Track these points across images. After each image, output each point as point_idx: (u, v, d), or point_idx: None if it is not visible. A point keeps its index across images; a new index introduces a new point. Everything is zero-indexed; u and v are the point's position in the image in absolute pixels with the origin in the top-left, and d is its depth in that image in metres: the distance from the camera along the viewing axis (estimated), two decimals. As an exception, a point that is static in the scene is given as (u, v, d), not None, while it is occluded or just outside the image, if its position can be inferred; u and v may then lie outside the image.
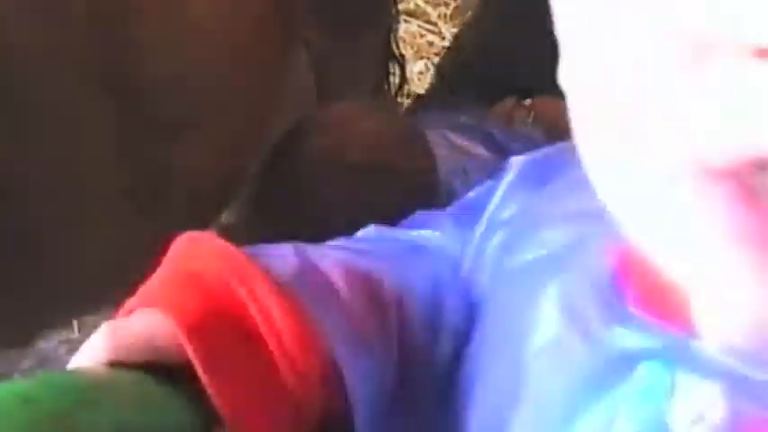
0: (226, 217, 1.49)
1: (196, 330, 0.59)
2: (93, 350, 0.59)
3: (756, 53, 0.37)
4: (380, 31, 1.72)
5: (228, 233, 1.53)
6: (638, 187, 0.45)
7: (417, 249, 0.78)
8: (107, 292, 1.22)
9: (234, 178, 1.33)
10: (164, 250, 0.66)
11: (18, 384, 0.53)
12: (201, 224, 1.33)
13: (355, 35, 1.55)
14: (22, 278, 1.11)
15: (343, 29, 1.50)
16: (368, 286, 0.68)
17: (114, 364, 0.58)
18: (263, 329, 0.60)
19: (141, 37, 1.11)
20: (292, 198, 1.32)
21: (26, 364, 2.06)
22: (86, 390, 0.55)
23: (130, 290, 0.67)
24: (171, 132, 1.18)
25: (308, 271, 0.66)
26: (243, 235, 1.46)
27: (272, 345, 0.60)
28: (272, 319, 0.61)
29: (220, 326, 0.60)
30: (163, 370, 0.58)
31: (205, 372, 0.57)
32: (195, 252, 0.65)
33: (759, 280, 0.41)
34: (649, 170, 0.44)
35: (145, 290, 0.64)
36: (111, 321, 0.62)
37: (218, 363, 0.58)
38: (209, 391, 0.57)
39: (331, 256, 0.70)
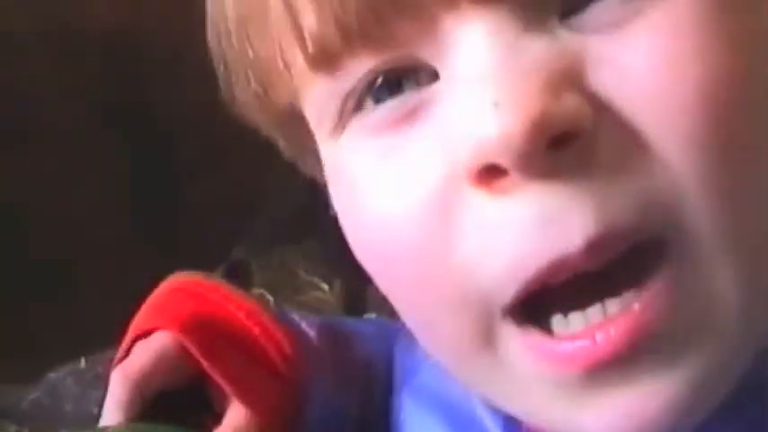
0: (235, 254, 1.51)
1: (191, 329, 0.66)
2: (121, 404, 0.62)
3: (475, 180, 0.41)
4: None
5: (238, 269, 1.55)
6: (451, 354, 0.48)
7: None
8: (116, 329, 1.23)
9: (245, 216, 1.35)
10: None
11: None
12: (212, 262, 1.35)
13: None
14: (36, 315, 1.12)
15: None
16: (336, 338, 0.73)
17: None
18: (249, 322, 0.69)
19: (156, 79, 1.12)
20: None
21: (34, 394, 2.06)
22: None
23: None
24: (185, 173, 1.19)
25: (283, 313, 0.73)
26: (252, 271, 1.48)
27: (258, 333, 0.68)
28: (257, 315, 0.69)
29: (212, 321, 0.68)
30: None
31: (203, 356, 0.65)
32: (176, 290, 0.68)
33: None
34: (450, 338, 0.48)
35: (135, 324, 0.67)
36: (118, 368, 0.63)
37: (215, 348, 0.66)
38: (209, 370, 0.65)
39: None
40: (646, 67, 0.41)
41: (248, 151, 1.28)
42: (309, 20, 0.45)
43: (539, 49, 0.42)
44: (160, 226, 1.22)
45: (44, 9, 1.06)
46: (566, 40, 0.42)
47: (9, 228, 1.07)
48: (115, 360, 0.67)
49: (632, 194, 0.42)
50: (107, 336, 1.16)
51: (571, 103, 0.40)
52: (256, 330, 0.66)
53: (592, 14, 0.42)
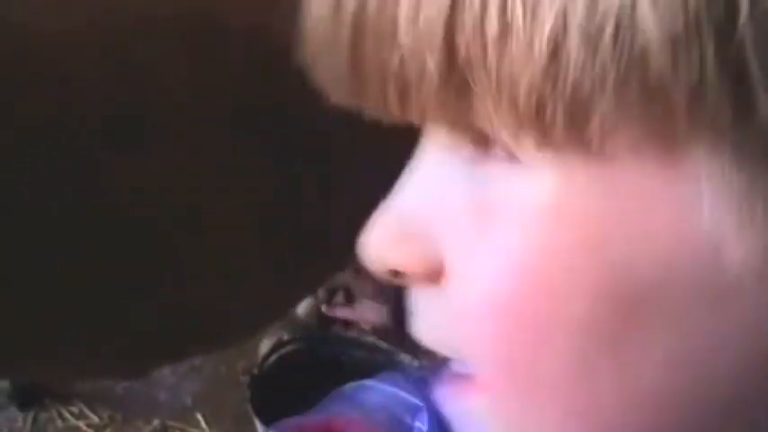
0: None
1: None
2: None
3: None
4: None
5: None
6: None
7: None
8: (236, 335, 1.23)
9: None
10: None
11: None
12: (332, 272, 1.35)
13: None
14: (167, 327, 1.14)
15: None
16: None
17: None
18: None
19: (299, 88, 1.12)
20: None
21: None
22: None
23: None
24: (321, 190, 1.19)
25: None
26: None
27: None
28: None
29: None
30: None
31: None
32: None
33: None
34: None
35: None
36: None
37: None
38: None
39: None
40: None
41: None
42: None
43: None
44: (288, 243, 1.23)
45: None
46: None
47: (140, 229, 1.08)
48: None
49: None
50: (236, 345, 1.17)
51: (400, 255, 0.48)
52: None
53: None
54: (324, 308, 1.57)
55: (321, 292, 1.56)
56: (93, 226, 0.99)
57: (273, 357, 1.83)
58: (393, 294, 1.47)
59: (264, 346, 1.96)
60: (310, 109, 0.47)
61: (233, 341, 1.53)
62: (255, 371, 1.79)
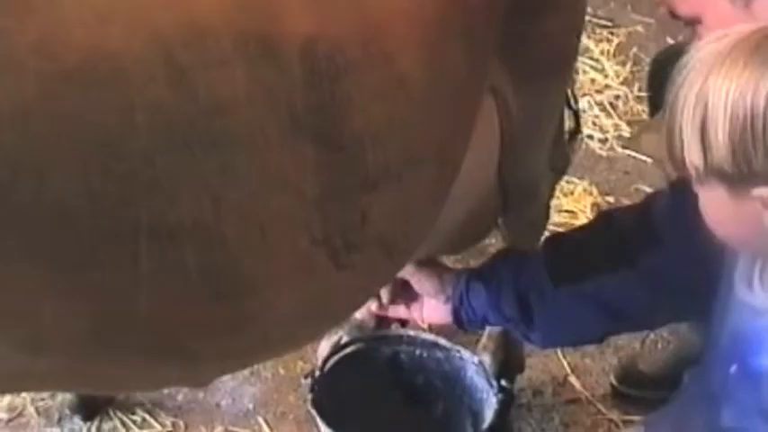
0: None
1: None
2: None
3: None
4: (567, 77, 1.68)
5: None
6: None
7: None
8: (297, 338, 1.23)
9: (424, 227, 1.33)
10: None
11: None
12: (391, 273, 1.34)
13: (543, 81, 1.52)
14: (221, 327, 1.13)
15: (532, 75, 1.48)
16: None
17: None
18: None
19: (352, 93, 1.11)
20: None
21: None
22: None
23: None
24: (369, 184, 1.18)
25: None
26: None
27: None
28: None
29: None
30: None
31: None
32: None
33: None
34: None
35: None
36: None
37: None
38: None
39: None
40: None
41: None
42: None
43: None
44: (344, 238, 1.24)
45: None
46: None
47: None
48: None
49: None
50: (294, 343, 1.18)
51: None
52: None
53: None
54: (375, 307, 1.57)
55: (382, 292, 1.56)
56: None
57: (334, 359, 1.83)
58: (454, 292, 1.47)
59: (323, 347, 1.95)
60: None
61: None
62: (316, 372, 1.79)
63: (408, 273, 1.48)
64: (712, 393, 1.19)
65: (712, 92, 1.03)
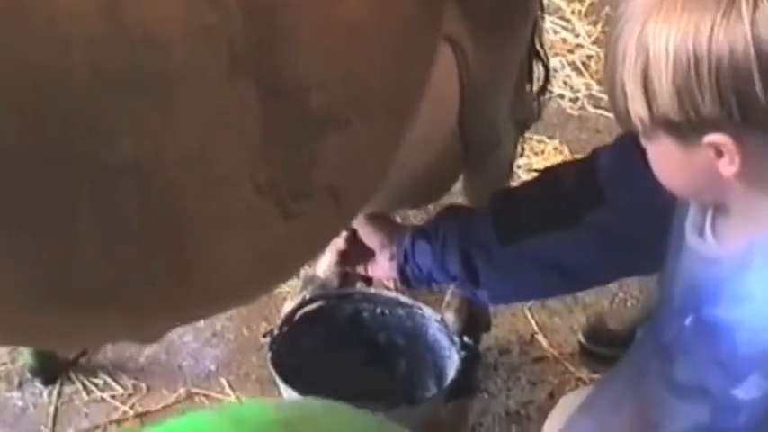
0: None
1: None
2: None
3: None
4: (527, 28, 1.66)
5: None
6: None
7: None
8: (246, 291, 1.20)
9: (375, 177, 1.30)
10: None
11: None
12: (341, 224, 1.31)
13: (502, 31, 1.49)
14: (164, 276, 1.10)
15: (490, 25, 1.45)
16: None
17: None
18: None
19: (295, 33, 1.08)
20: None
21: (151, 348, 2.10)
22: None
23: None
24: (316, 131, 1.15)
25: None
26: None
27: None
28: None
29: None
30: None
31: None
32: None
33: None
34: None
35: None
36: None
37: None
38: None
39: None
40: None
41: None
42: None
43: None
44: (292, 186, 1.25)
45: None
46: None
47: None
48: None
49: None
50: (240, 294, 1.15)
51: None
52: None
53: None
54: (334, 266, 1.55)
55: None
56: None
57: (294, 317, 1.80)
58: (399, 248, 1.45)
59: (287, 307, 1.93)
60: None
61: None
62: (275, 331, 1.76)
63: (358, 225, 1.45)
64: (666, 346, 1.17)
65: (652, 38, 0.99)
